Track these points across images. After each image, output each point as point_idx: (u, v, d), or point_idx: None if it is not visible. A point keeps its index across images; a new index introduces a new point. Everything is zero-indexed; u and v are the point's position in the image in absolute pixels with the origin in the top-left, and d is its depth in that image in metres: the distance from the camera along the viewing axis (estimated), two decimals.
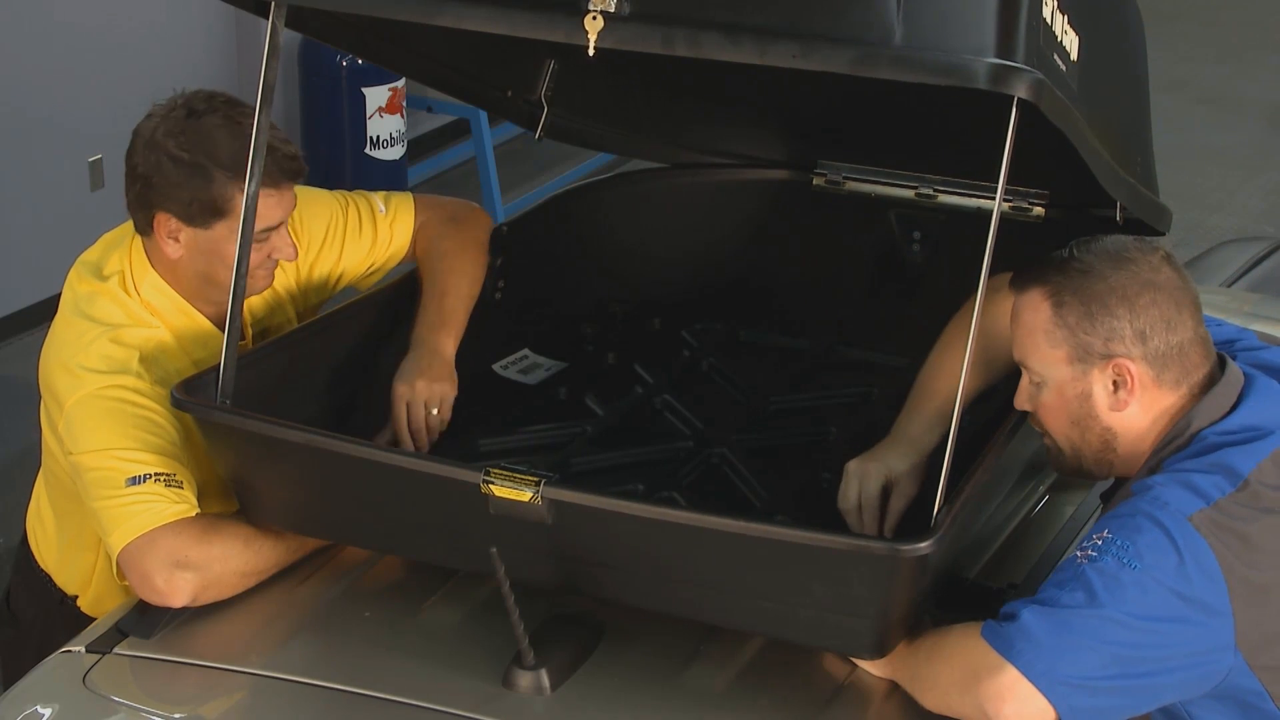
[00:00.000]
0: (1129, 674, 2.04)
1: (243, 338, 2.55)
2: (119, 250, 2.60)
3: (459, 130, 7.07)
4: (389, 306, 2.81)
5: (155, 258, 2.57)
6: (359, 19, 2.57)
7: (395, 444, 2.60)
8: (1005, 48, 1.93)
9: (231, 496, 2.49)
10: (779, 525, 2.24)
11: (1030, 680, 2.02)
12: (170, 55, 6.02)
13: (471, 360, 2.74)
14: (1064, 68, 2.06)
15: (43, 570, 2.76)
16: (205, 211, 2.48)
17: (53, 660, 2.34)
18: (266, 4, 2.29)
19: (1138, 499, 2.13)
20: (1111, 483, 2.35)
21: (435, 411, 2.61)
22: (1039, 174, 2.89)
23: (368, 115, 6.33)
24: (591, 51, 2.02)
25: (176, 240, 2.52)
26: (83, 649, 2.33)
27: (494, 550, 2.12)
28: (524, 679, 2.20)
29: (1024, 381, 2.29)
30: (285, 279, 2.72)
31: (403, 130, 6.47)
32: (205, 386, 2.38)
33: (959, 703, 2.09)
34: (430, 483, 2.23)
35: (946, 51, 1.94)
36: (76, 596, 2.72)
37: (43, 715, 2.27)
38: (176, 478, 2.40)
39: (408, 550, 2.44)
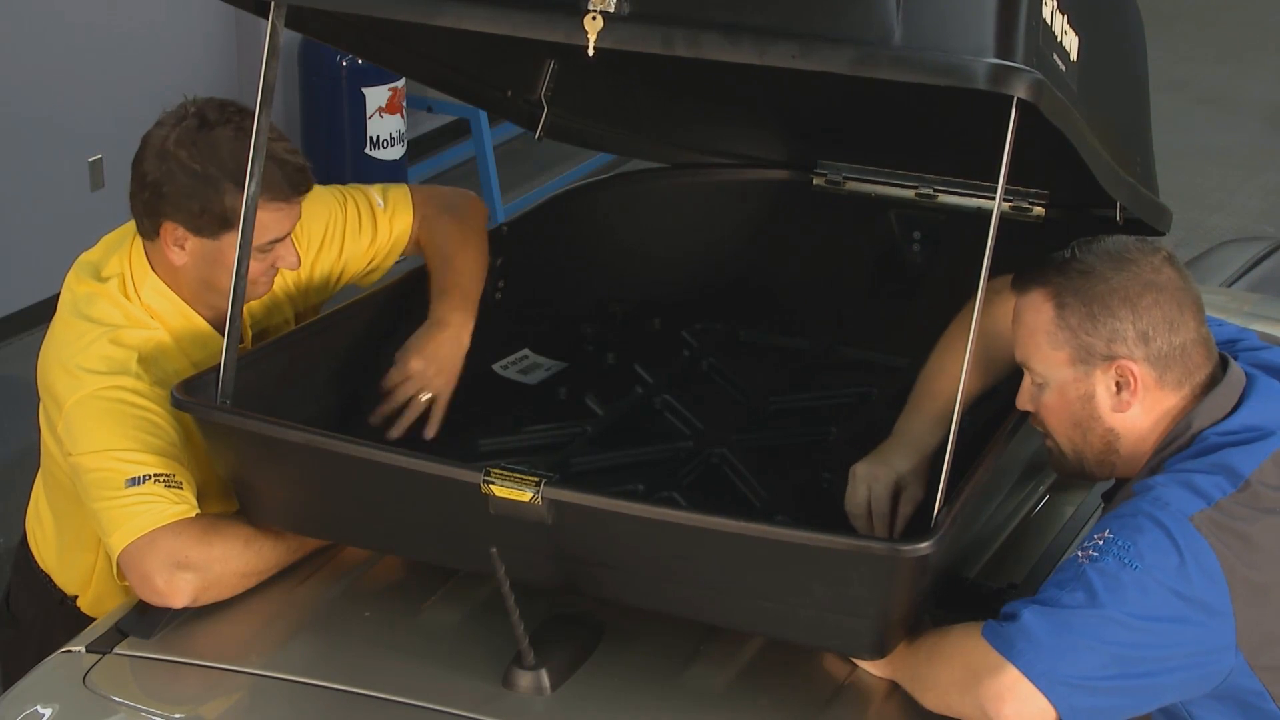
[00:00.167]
0: (1129, 674, 2.04)
1: (241, 340, 2.55)
2: (119, 253, 2.60)
3: (459, 130, 7.07)
4: (389, 306, 2.81)
5: (157, 262, 2.57)
6: (359, 19, 2.57)
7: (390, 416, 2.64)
8: (1005, 48, 1.93)
9: (231, 496, 2.49)
10: (779, 525, 2.24)
11: (1031, 680, 2.02)
12: (170, 55, 6.02)
13: (472, 360, 2.74)
14: (1064, 68, 2.06)
15: (42, 571, 2.76)
16: (215, 223, 2.48)
17: (53, 660, 2.34)
18: (266, 4, 2.29)
19: (1139, 499, 2.12)
20: (1113, 482, 2.35)
21: (430, 397, 2.64)
22: (1039, 174, 2.89)
23: (368, 115, 6.33)
24: (591, 51, 2.02)
25: (182, 248, 2.52)
26: (83, 649, 2.33)
27: (494, 550, 2.12)
28: (524, 679, 2.20)
29: (1026, 382, 2.29)
30: (284, 281, 2.72)
31: (403, 130, 6.47)
32: (205, 387, 2.38)
33: (959, 703, 2.09)
34: (430, 483, 2.23)
35: (946, 51, 1.94)
36: (76, 597, 2.72)
37: (43, 715, 2.27)
38: (176, 478, 2.40)
39: (408, 550, 2.44)
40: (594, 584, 2.26)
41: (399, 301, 2.81)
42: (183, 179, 2.46)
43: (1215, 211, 7.28)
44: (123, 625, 2.37)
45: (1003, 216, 2.07)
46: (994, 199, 2.03)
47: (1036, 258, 2.28)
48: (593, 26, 2.01)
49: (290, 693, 2.27)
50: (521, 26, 2.07)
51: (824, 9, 1.98)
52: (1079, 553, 2.10)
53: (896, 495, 2.40)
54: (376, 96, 6.32)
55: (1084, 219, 2.72)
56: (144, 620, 2.36)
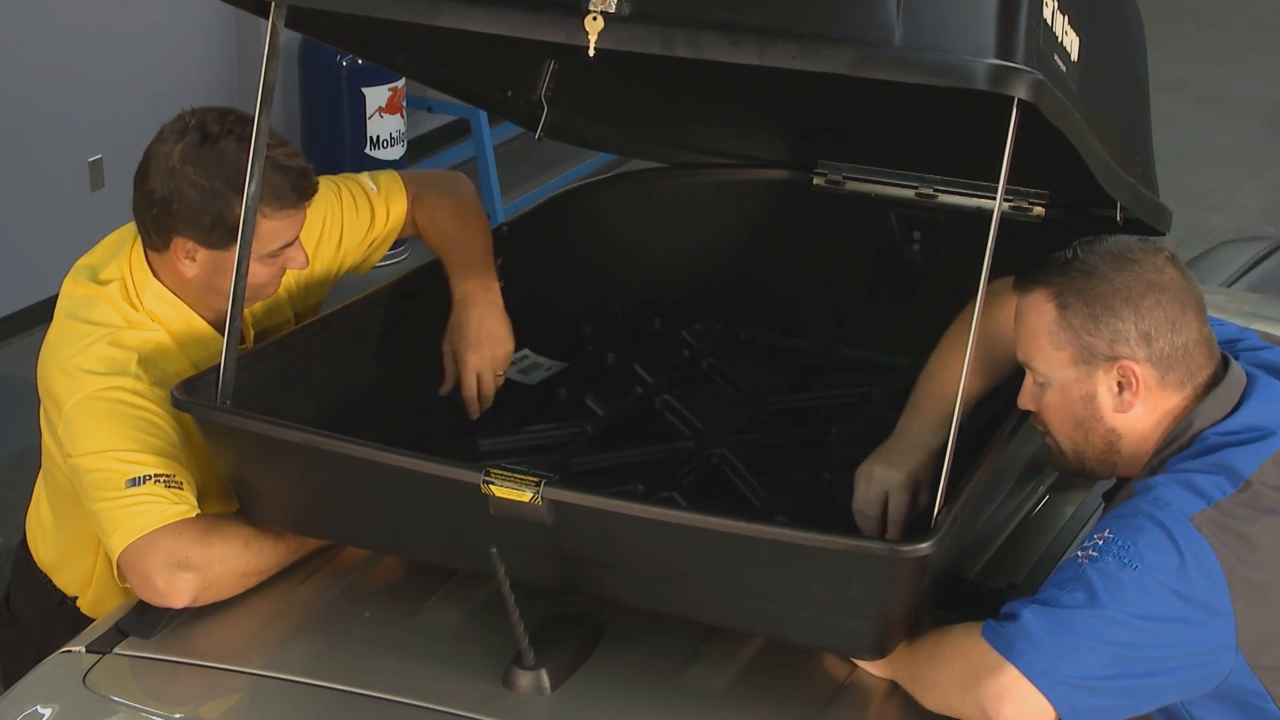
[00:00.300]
0: (1129, 674, 2.04)
1: (243, 340, 2.55)
2: (118, 258, 2.60)
3: (459, 130, 7.07)
4: (389, 306, 2.81)
5: (164, 271, 2.57)
6: (359, 19, 2.57)
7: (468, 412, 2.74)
8: (1005, 48, 1.93)
9: (231, 496, 2.50)
10: (779, 525, 2.24)
11: (1030, 680, 2.02)
12: (170, 55, 6.02)
13: None
14: (1064, 68, 2.06)
15: (42, 571, 2.76)
16: (225, 235, 2.48)
17: (53, 660, 2.34)
18: (266, 4, 2.29)
19: (1139, 499, 2.12)
20: (1113, 482, 2.35)
21: (499, 375, 2.75)
22: (1039, 174, 2.89)
23: (368, 115, 6.33)
24: (592, 52, 2.02)
25: (193, 260, 2.52)
26: (83, 649, 2.33)
27: (494, 550, 2.12)
28: (524, 679, 2.20)
29: (1028, 382, 2.29)
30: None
31: (403, 130, 6.47)
32: (205, 387, 2.38)
33: (959, 703, 2.09)
34: (430, 483, 2.23)
35: (946, 52, 1.94)
36: (76, 598, 2.72)
37: (43, 715, 2.27)
38: (176, 479, 2.40)
39: (408, 550, 2.44)
40: (594, 584, 2.26)
41: (399, 301, 2.81)
42: (192, 195, 2.47)
43: (1215, 211, 7.28)
44: (123, 625, 2.37)
45: (1003, 216, 2.06)
46: (994, 199, 2.03)
47: (1037, 258, 2.28)
48: (593, 27, 2.01)
49: (290, 693, 2.27)
50: (522, 27, 2.07)
51: (824, 9, 1.98)
52: (1079, 553, 2.10)
53: (914, 498, 2.40)
54: (376, 96, 6.32)
55: (1084, 219, 2.72)
56: (144, 620, 2.36)
